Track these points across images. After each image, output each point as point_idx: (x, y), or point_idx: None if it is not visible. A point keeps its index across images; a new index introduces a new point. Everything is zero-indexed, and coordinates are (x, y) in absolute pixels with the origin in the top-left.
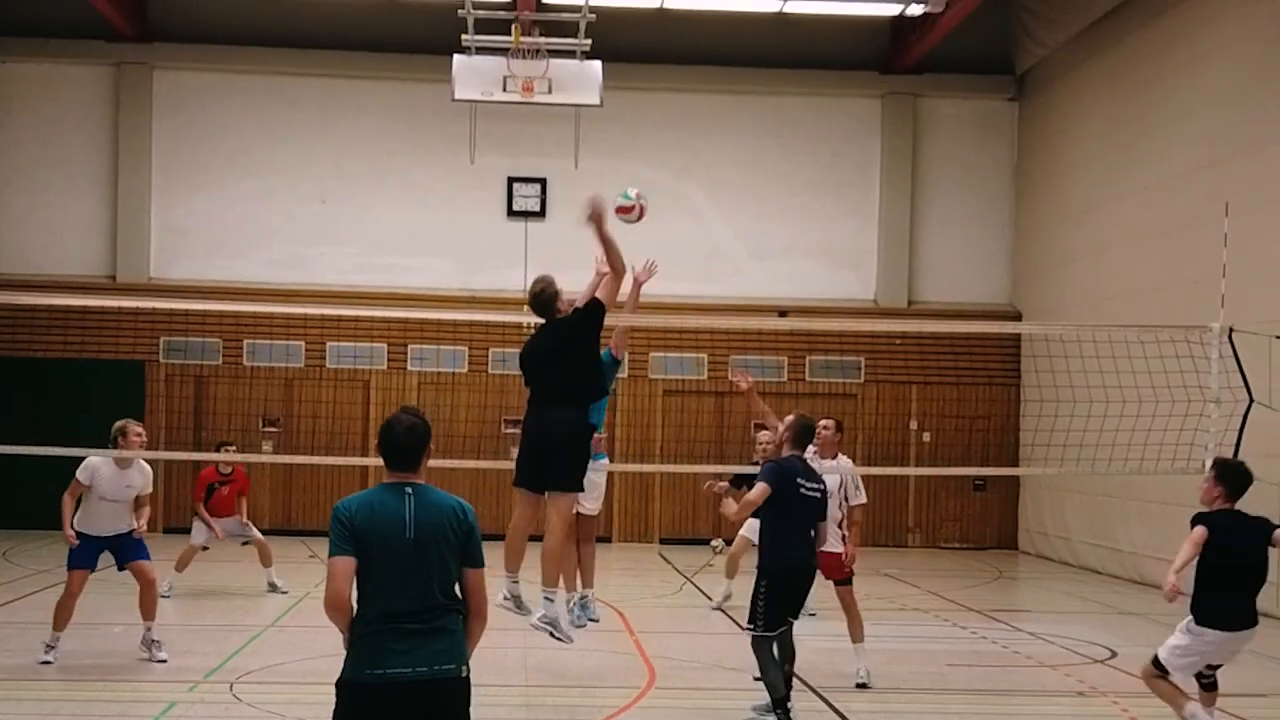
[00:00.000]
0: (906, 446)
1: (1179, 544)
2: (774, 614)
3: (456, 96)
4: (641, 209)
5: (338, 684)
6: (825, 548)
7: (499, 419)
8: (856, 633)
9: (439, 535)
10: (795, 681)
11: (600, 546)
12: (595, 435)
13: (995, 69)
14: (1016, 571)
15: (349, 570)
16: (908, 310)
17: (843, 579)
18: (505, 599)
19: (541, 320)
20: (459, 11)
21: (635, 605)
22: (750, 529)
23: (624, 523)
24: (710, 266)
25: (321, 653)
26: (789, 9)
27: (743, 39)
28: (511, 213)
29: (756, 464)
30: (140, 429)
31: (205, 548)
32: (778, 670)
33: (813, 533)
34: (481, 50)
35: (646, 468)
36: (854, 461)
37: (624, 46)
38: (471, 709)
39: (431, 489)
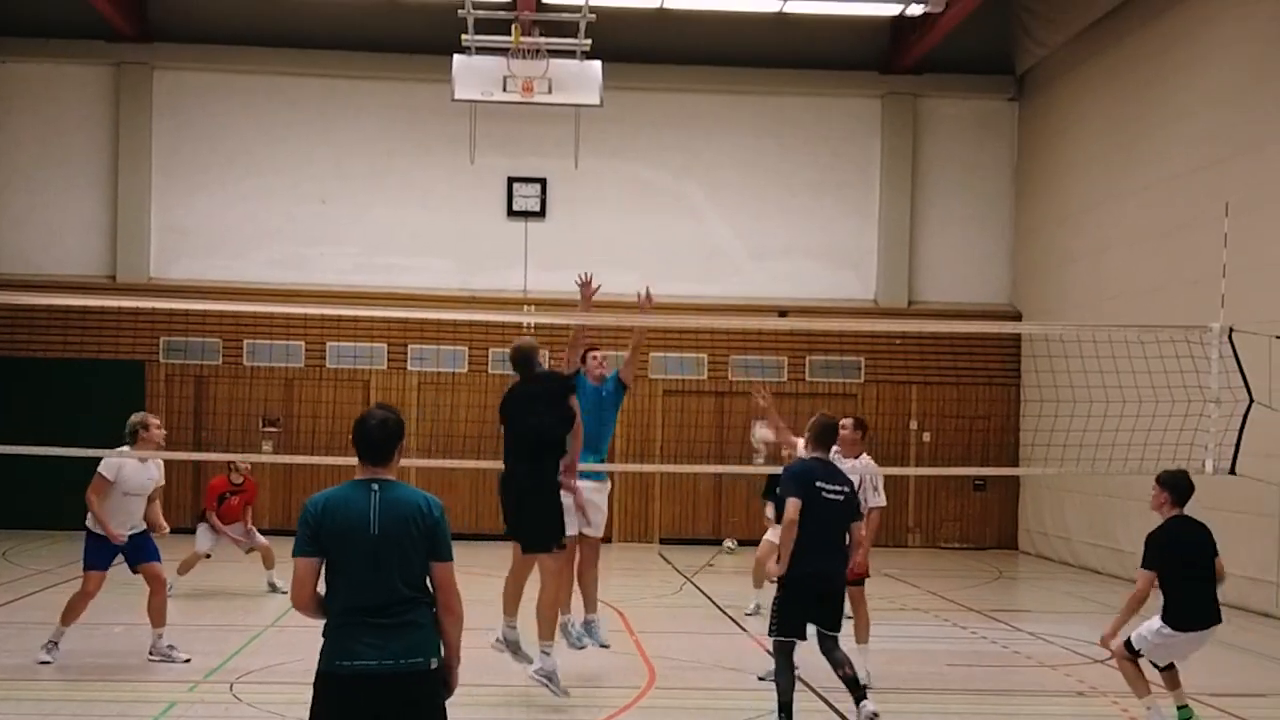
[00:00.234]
0: (906, 446)
1: None
2: (789, 622)
3: (456, 96)
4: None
5: (315, 676)
6: None
7: (499, 419)
8: (861, 634)
9: (402, 530)
10: (797, 682)
11: (600, 547)
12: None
13: (995, 69)
14: (1016, 571)
15: (309, 571)
16: (908, 310)
17: (854, 579)
18: (497, 641)
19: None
20: (459, 11)
21: (635, 605)
22: (775, 532)
23: (624, 523)
24: (710, 266)
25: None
26: (789, 9)
27: (743, 39)
28: (511, 213)
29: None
30: (159, 422)
31: (209, 555)
32: (790, 676)
33: (845, 537)
34: (481, 50)
35: (646, 468)
36: None
37: (624, 46)
38: (473, 709)
39: (399, 485)
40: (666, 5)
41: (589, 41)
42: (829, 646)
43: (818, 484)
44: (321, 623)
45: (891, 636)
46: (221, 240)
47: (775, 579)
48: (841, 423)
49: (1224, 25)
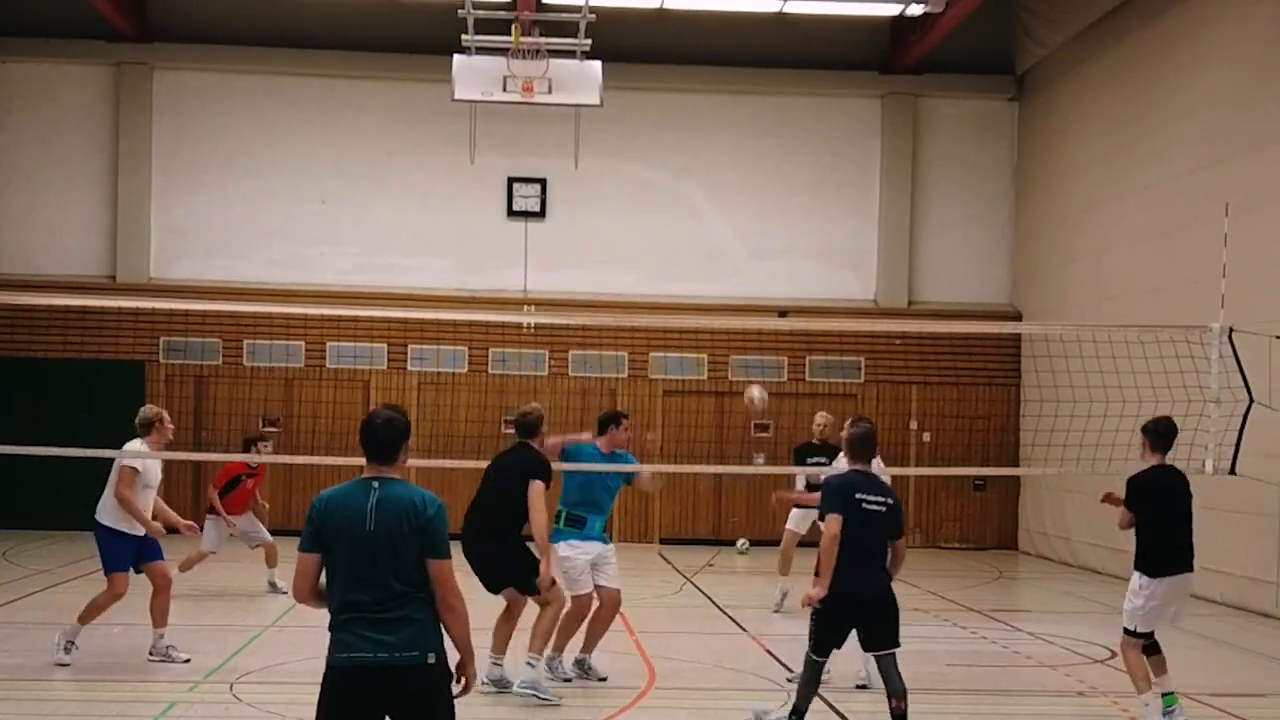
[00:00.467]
0: (906, 446)
1: None
2: (824, 639)
3: (456, 96)
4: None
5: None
6: None
7: (499, 419)
8: None
9: (395, 527)
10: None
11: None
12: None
13: (995, 69)
14: (1016, 571)
15: (309, 566)
16: (908, 310)
17: None
18: (484, 683)
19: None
20: (459, 11)
21: (635, 605)
22: (795, 521)
23: (624, 523)
24: (710, 267)
25: (321, 653)
26: (789, 9)
27: (743, 39)
28: (511, 213)
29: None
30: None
31: (214, 552)
32: (814, 688)
33: (886, 552)
34: (481, 50)
35: (646, 468)
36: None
37: (624, 46)
38: (473, 709)
39: (399, 483)
40: (666, 5)
41: (589, 41)
42: (885, 666)
43: (858, 496)
44: (323, 621)
45: None
46: (221, 240)
47: (817, 603)
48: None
49: (1224, 25)
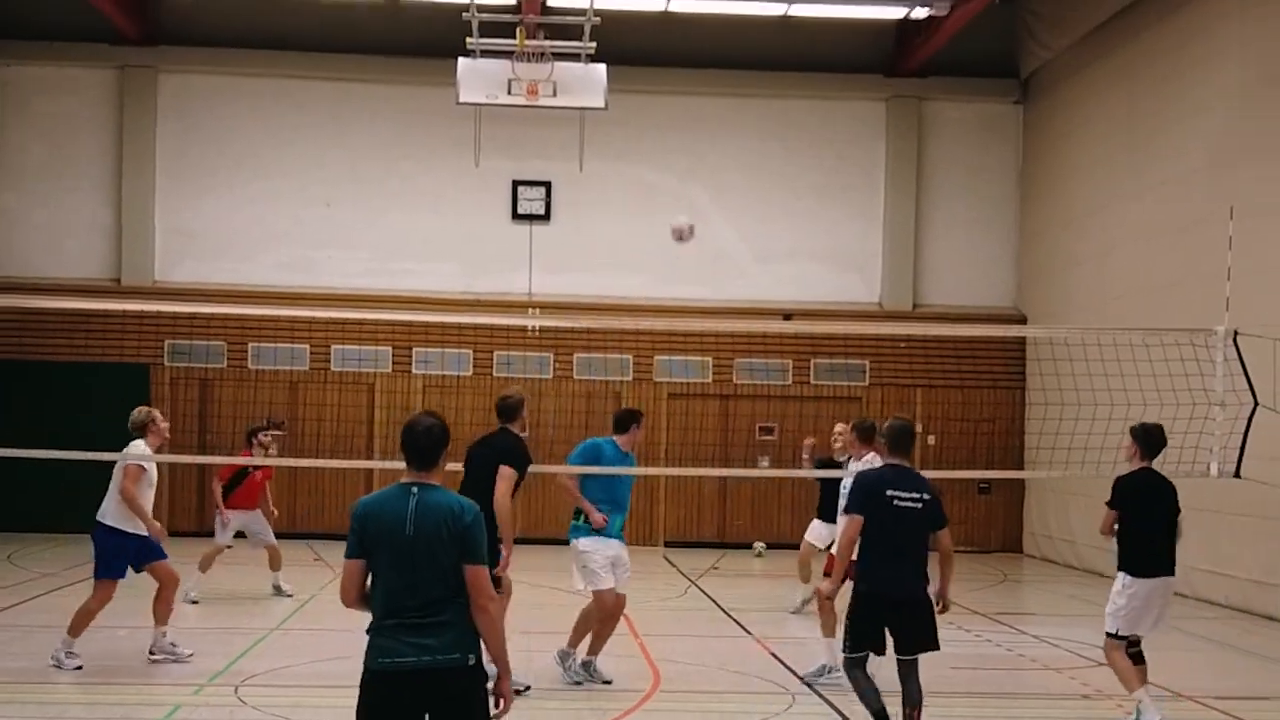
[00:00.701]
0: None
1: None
2: (858, 637)
3: (461, 100)
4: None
5: (361, 676)
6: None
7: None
8: None
9: (434, 532)
10: (796, 682)
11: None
12: (600, 515)
13: (1000, 72)
14: (1021, 574)
15: (355, 572)
16: (912, 313)
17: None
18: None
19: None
20: (463, 15)
21: (640, 608)
22: (814, 534)
23: (628, 526)
24: (715, 270)
25: (326, 656)
26: (794, 12)
27: (747, 42)
28: (516, 216)
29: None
30: (163, 415)
31: (229, 546)
32: (870, 686)
33: (925, 548)
34: (486, 53)
35: (651, 471)
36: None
37: (629, 49)
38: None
39: (438, 489)
40: (671, 8)
41: (594, 44)
42: (904, 673)
43: (889, 493)
44: (328, 624)
45: None
46: (228, 243)
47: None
48: (836, 429)
49: (1228, 30)
